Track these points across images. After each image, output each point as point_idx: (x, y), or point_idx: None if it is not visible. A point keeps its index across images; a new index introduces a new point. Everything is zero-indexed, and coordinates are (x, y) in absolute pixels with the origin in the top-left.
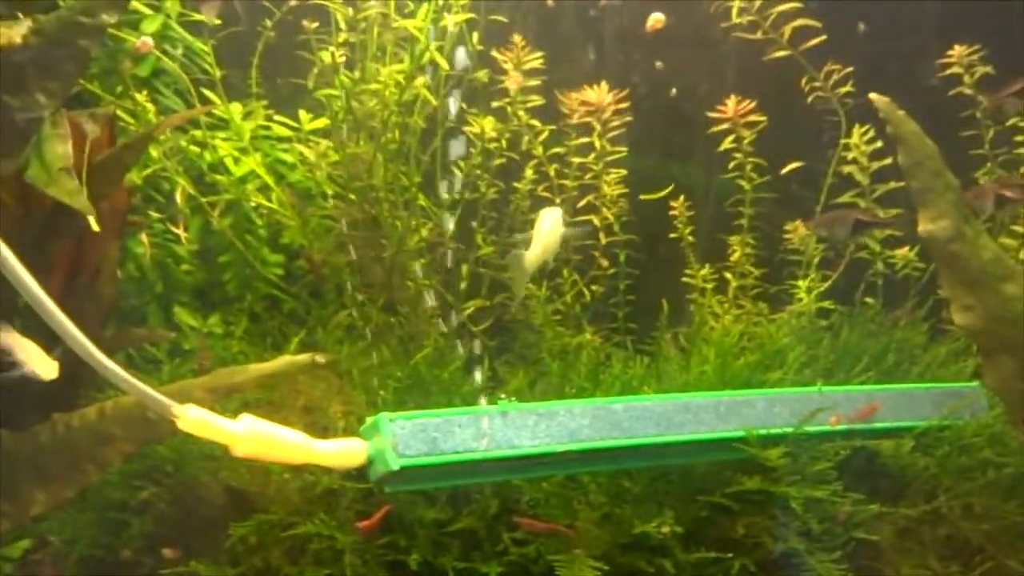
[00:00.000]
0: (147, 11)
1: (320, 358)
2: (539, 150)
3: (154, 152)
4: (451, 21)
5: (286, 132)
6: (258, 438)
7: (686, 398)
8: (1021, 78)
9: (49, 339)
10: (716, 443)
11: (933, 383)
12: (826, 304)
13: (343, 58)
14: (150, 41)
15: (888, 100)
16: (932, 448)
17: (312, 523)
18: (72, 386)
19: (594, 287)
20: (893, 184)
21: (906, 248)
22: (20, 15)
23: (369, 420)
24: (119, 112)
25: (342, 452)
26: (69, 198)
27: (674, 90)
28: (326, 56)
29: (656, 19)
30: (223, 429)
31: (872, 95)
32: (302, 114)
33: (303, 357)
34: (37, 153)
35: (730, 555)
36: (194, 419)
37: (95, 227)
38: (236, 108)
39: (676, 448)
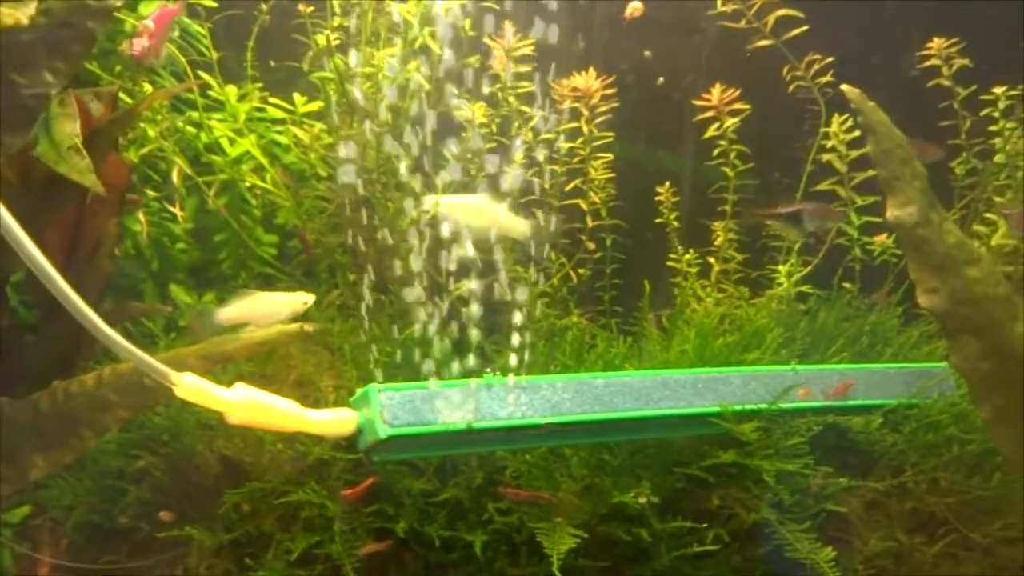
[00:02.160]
0: None
1: (309, 327)
2: (528, 135)
3: (151, 132)
4: (442, 7)
5: (280, 114)
6: (252, 405)
7: (665, 374)
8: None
9: (49, 310)
10: (693, 418)
11: (904, 363)
12: (805, 288)
13: (338, 41)
14: (152, 25)
15: (859, 91)
16: (900, 425)
17: (303, 492)
18: (70, 356)
19: (580, 270)
20: (872, 172)
21: (884, 235)
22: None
23: (359, 391)
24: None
25: (333, 421)
26: (79, 176)
27: (661, 79)
28: (321, 40)
29: (635, 7)
30: (218, 396)
31: (844, 86)
32: (296, 97)
33: (293, 326)
34: (46, 131)
35: (705, 525)
36: (190, 386)
37: (100, 190)
38: (232, 90)
39: (654, 422)
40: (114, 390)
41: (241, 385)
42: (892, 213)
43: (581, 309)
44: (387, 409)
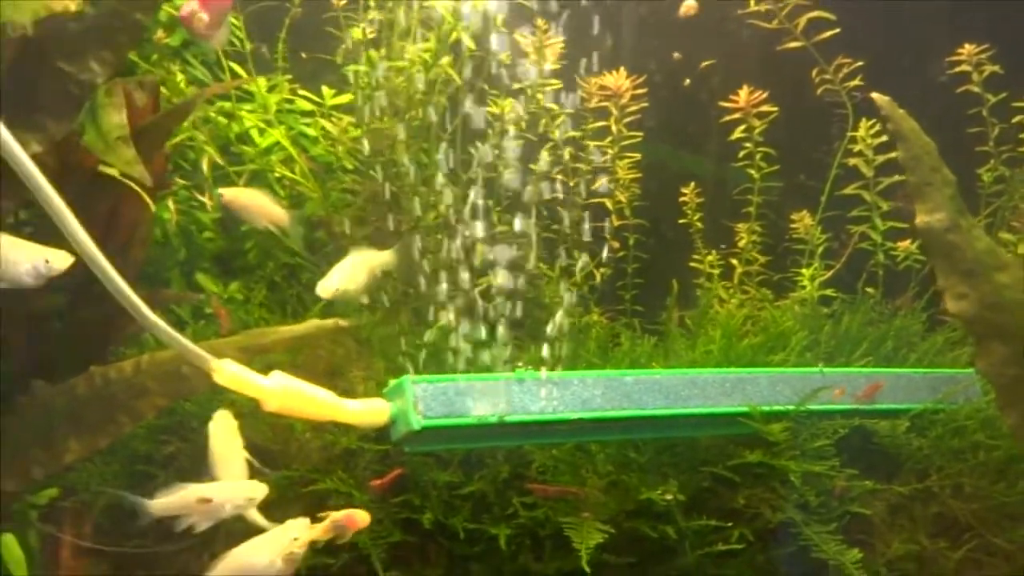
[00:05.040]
0: None
1: (343, 322)
2: (555, 133)
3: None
4: (474, 4)
5: (309, 106)
6: (289, 393)
7: (694, 373)
8: None
9: (79, 295)
10: (721, 417)
11: (930, 368)
12: (828, 292)
13: (372, 35)
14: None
15: (889, 99)
16: (926, 430)
17: (331, 480)
18: (100, 341)
19: (603, 269)
20: (898, 177)
21: (907, 240)
22: None
23: (393, 382)
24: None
25: (367, 411)
26: (127, 167)
27: (688, 80)
28: (356, 33)
29: (689, 5)
30: (256, 384)
31: (874, 94)
32: (324, 89)
33: (328, 322)
34: (93, 120)
35: (730, 524)
36: (229, 373)
37: (148, 181)
38: (261, 82)
39: (683, 420)
40: (152, 377)
41: (278, 373)
42: (921, 219)
43: (602, 308)
44: (421, 401)
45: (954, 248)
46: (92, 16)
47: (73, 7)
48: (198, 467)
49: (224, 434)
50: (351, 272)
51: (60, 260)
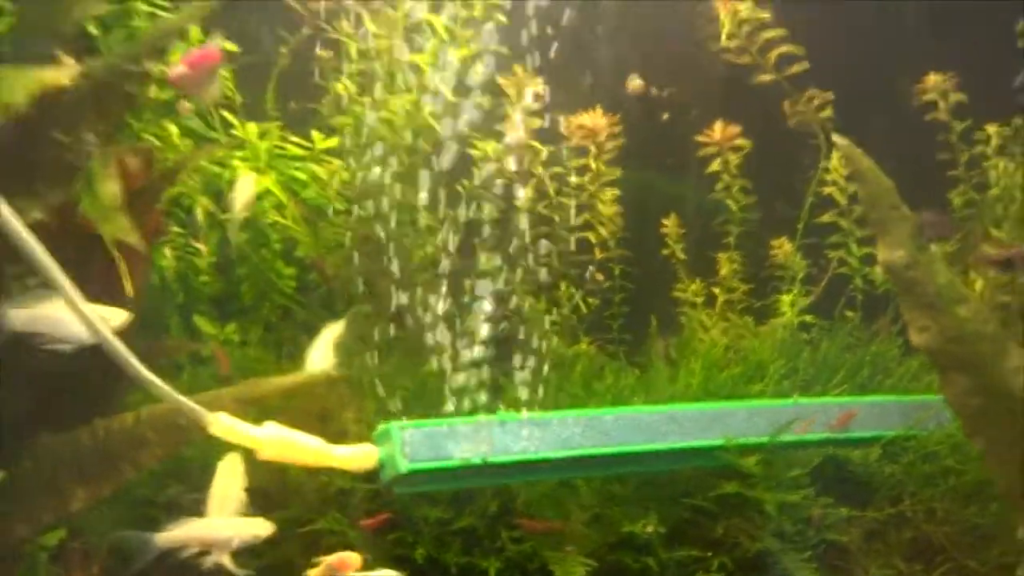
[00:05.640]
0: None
1: (335, 373)
2: (538, 170)
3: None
4: (455, 56)
5: (300, 151)
6: (281, 443)
7: (671, 409)
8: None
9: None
10: (699, 451)
11: (902, 395)
12: (808, 318)
13: (355, 89)
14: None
15: (847, 141)
16: (899, 456)
17: (326, 520)
18: (108, 391)
19: (589, 300)
20: None
21: None
22: (64, 58)
23: (381, 427)
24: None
25: (356, 456)
26: (123, 235)
27: (666, 115)
28: (340, 87)
29: (635, 83)
30: (250, 435)
31: (834, 136)
32: (315, 134)
33: (321, 372)
34: (89, 190)
35: (710, 554)
36: (224, 426)
37: (143, 248)
38: (252, 129)
39: (662, 456)
40: (152, 428)
41: (271, 423)
42: (883, 256)
43: (590, 337)
44: (407, 445)
45: (915, 283)
46: (85, 88)
47: (67, 81)
48: (198, 509)
49: (227, 476)
50: (327, 349)
51: (117, 317)
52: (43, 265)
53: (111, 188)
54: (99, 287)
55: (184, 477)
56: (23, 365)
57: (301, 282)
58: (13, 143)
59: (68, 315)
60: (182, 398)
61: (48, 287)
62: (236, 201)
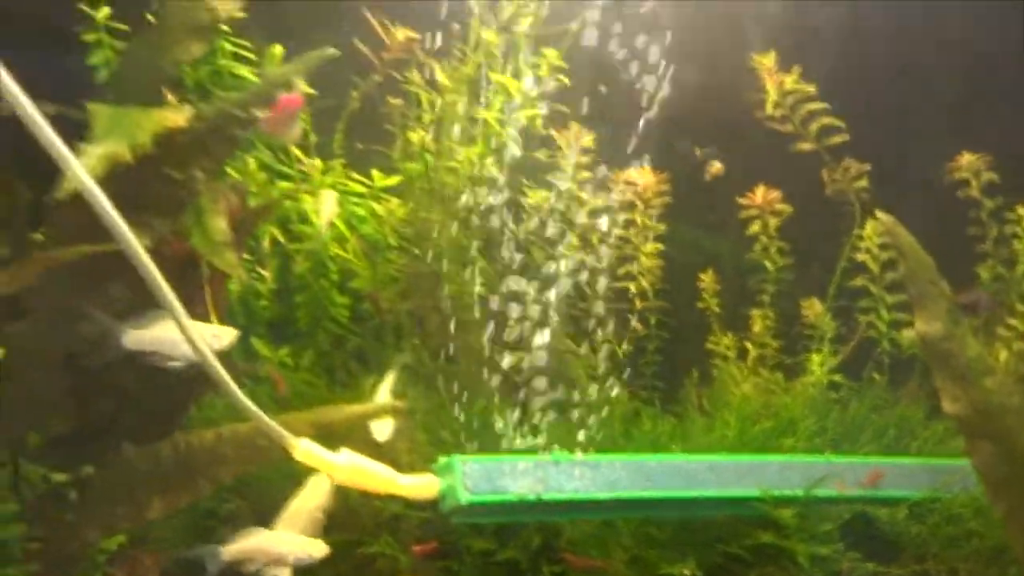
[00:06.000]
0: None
1: (400, 404)
2: (584, 220)
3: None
4: (521, 115)
5: (360, 188)
6: (355, 469)
7: (711, 459)
8: None
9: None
10: (735, 500)
11: (929, 458)
12: (836, 378)
13: (428, 139)
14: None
15: (892, 218)
16: (925, 517)
17: (379, 543)
18: (178, 407)
19: (624, 347)
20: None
21: (911, 330)
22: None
23: (443, 460)
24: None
25: (420, 486)
26: (230, 269)
27: (708, 176)
28: (415, 137)
29: (717, 167)
30: (328, 461)
31: (879, 212)
32: (374, 173)
33: (387, 403)
34: (199, 224)
35: None
36: (306, 451)
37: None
38: (317, 164)
39: (700, 502)
40: (232, 446)
41: (346, 450)
42: (919, 328)
43: (622, 383)
44: (468, 477)
45: (949, 355)
46: (198, 130)
47: (183, 123)
48: (256, 524)
49: (311, 493)
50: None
51: (227, 336)
52: (157, 287)
53: (220, 224)
54: (189, 309)
55: (245, 492)
56: (102, 380)
57: (354, 312)
58: (130, 176)
59: (178, 335)
60: (271, 422)
61: (159, 308)
62: (322, 216)
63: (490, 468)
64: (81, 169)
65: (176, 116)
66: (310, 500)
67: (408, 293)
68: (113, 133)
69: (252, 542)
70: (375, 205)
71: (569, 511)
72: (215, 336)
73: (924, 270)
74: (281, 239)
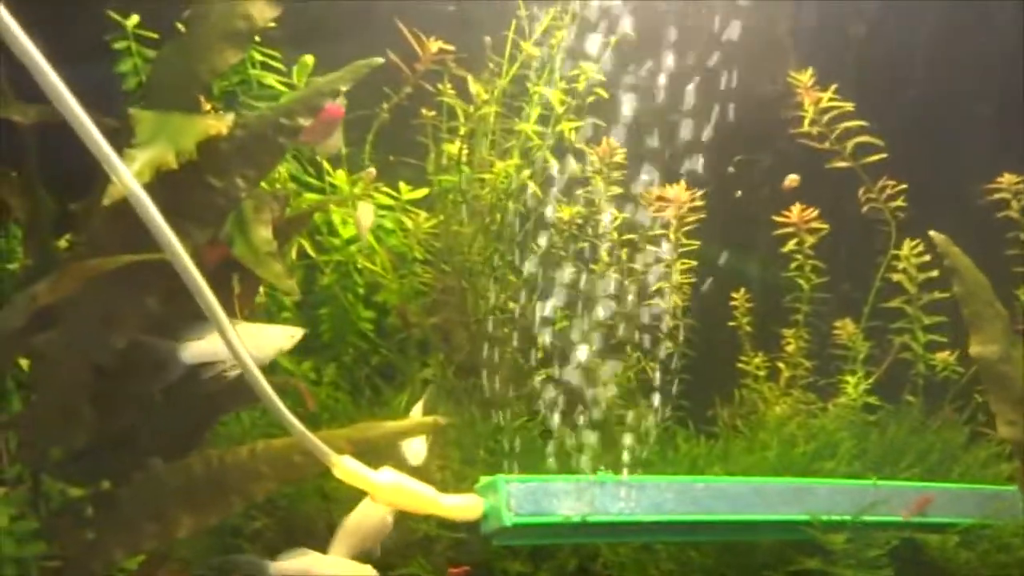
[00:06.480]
0: (284, 90)
1: (441, 420)
2: (614, 235)
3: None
4: (563, 128)
5: (388, 200)
6: (396, 488)
7: (757, 482)
8: None
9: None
10: (782, 524)
11: (976, 484)
12: (871, 400)
13: (464, 151)
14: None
15: (945, 237)
16: (974, 544)
17: (413, 564)
18: (206, 420)
19: (653, 365)
20: (937, 294)
21: (946, 352)
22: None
23: (486, 480)
24: None
25: (462, 506)
26: (276, 280)
27: (739, 192)
28: (451, 149)
29: (792, 179)
30: (370, 479)
31: (932, 232)
32: (401, 185)
33: (428, 420)
34: (242, 233)
35: None
36: (347, 468)
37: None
38: (342, 176)
39: (747, 526)
40: (266, 463)
41: (388, 469)
42: (975, 349)
43: (648, 402)
44: (512, 498)
45: (1005, 378)
46: (240, 137)
47: (225, 130)
48: (283, 543)
49: (365, 517)
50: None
51: (297, 334)
52: (204, 297)
53: (264, 234)
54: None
55: (271, 510)
56: (128, 392)
57: (378, 326)
58: (168, 181)
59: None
60: (313, 437)
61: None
62: (360, 226)
63: (535, 489)
64: (129, 175)
65: (218, 123)
66: (365, 525)
67: (435, 307)
68: (157, 139)
69: (301, 562)
70: (403, 217)
71: (613, 533)
72: (290, 336)
73: (980, 290)
74: (309, 251)
